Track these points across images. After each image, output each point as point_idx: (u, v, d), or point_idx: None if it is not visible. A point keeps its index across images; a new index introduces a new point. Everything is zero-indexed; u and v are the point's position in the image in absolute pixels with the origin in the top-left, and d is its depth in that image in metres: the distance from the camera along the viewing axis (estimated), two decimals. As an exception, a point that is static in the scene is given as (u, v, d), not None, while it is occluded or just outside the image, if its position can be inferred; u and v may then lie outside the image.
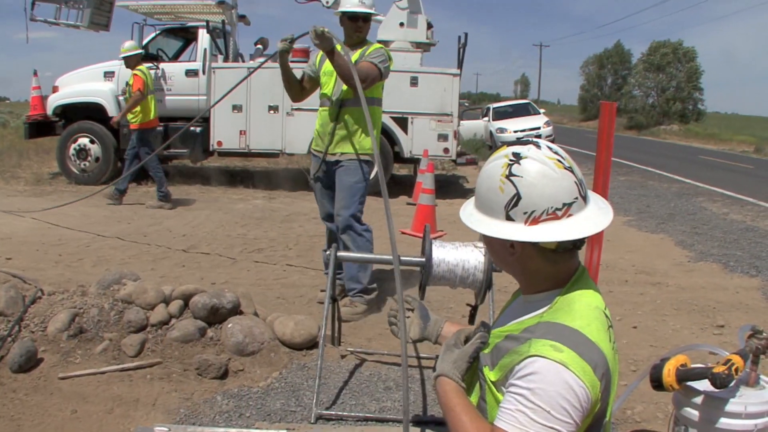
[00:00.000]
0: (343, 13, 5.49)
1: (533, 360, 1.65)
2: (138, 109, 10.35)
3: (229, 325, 4.61)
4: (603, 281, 6.66)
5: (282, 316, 4.89)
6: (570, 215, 1.74)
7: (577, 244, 1.80)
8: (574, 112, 78.37)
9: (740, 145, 36.50)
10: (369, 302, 5.72)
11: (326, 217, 5.86)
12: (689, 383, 2.31)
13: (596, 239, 3.24)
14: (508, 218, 1.75)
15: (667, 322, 5.93)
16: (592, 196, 1.86)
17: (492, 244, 1.87)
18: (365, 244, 5.61)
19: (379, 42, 6.20)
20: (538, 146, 1.77)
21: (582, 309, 1.76)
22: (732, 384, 2.22)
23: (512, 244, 1.78)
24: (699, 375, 2.28)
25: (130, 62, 10.69)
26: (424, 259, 3.64)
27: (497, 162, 1.78)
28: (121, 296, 4.68)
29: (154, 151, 10.31)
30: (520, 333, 1.79)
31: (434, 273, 3.66)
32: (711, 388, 2.23)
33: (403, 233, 9.10)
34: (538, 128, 27.08)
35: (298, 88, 5.80)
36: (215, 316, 4.64)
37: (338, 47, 5.00)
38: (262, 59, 12.79)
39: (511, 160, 1.75)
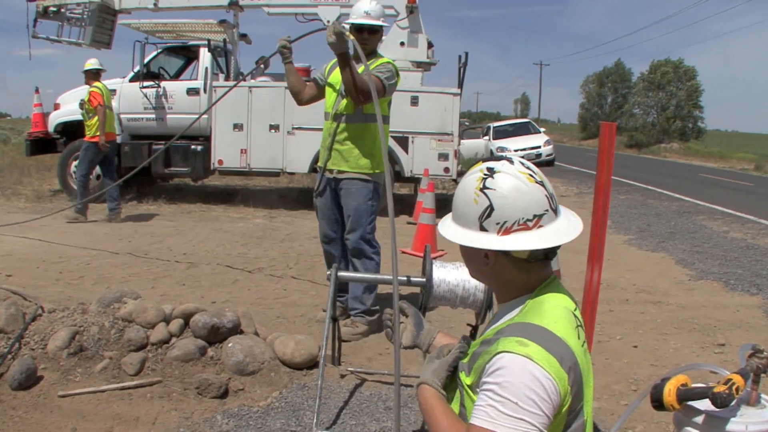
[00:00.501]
0: (351, 25, 5.45)
1: (500, 356, 1.72)
2: (93, 122, 10.48)
3: (230, 345, 4.61)
4: (603, 300, 6.65)
5: (282, 336, 4.89)
6: (540, 226, 1.83)
7: (548, 254, 1.91)
8: (574, 130, 78.56)
9: (740, 162, 36.57)
10: (370, 323, 5.70)
11: (324, 238, 5.83)
12: (690, 403, 2.31)
13: (596, 258, 3.23)
14: (482, 229, 1.85)
15: (667, 341, 5.92)
16: (564, 210, 1.96)
17: (468, 255, 1.97)
18: (375, 267, 5.58)
19: None
20: (511, 162, 1.88)
21: (550, 309, 1.85)
22: (733, 403, 2.21)
23: (486, 254, 1.88)
24: (700, 394, 2.27)
25: (88, 78, 10.78)
26: (424, 279, 3.64)
27: (472, 176, 1.89)
28: (121, 314, 4.68)
29: (94, 166, 10.84)
30: (492, 336, 1.86)
31: (435, 293, 3.66)
32: (712, 408, 2.22)
33: (403, 253, 9.09)
34: (539, 147, 27.18)
35: (301, 91, 5.72)
36: (216, 336, 4.64)
37: (361, 68, 4.99)
38: (263, 77, 12.89)
39: (485, 174, 1.86)
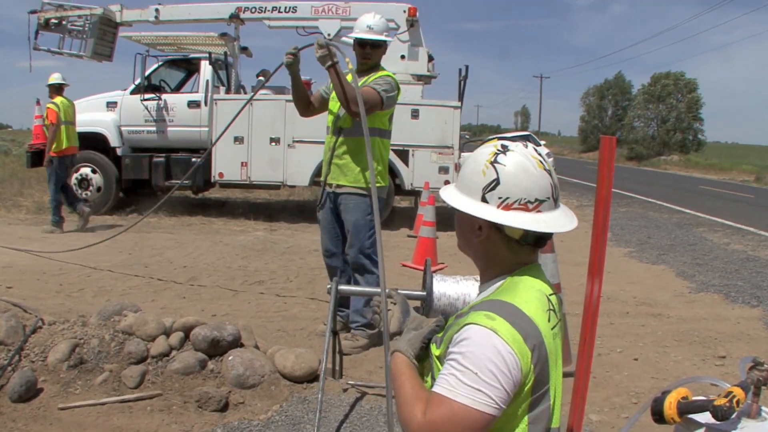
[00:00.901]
0: (354, 39, 5.45)
1: (467, 327, 1.74)
2: (55, 136, 10.57)
3: (230, 358, 4.60)
4: (604, 313, 6.65)
5: (283, 349, 4.89)
6: (539, 211, 1.86)
7: (539, 241, 1.93)
8: (574, 143, 78.65)
9: (741, 174, 36.62)
10: (370, 337, 5.69)
11: (325, 251, 5.83)
12: (691, 416, 2.31)
13: (597, 271, 3.22)
14: (483, 200, 1.86)
15: (668, 354, 5.91)
16: (563, 206, 1.98)
17: (461, 223, 1.99)
18: (376, 281, 5.55)
19: None
20: (525, 145, 1.92)
21: (524, 289, 1.87)
22: (733, 416, 2.21)
23: (480, 227, 1.90)
24: (700, 407, 2.27)
25: (51, 92, 10.89)
26: (425, 293, 3.64)
27: (486, 150, 1.92)
28: (121, 327, 4.68)
29: (62, 180, 10.83)
30: (466, 311, 1.90)
31: (435, 306, 3.64)
32: (712, 421, 2.22)
33: (404, 266, 9.10)
34: (539, 159, 27.19)
35: (305, 103, 5.70)
36: (216, 349, 4.64)
37: (349, 77, 4.98)
38: (263, 90, 12.91)
39: (498, 150, 1.88)
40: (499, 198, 1.84)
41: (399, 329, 2.51)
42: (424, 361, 2.04)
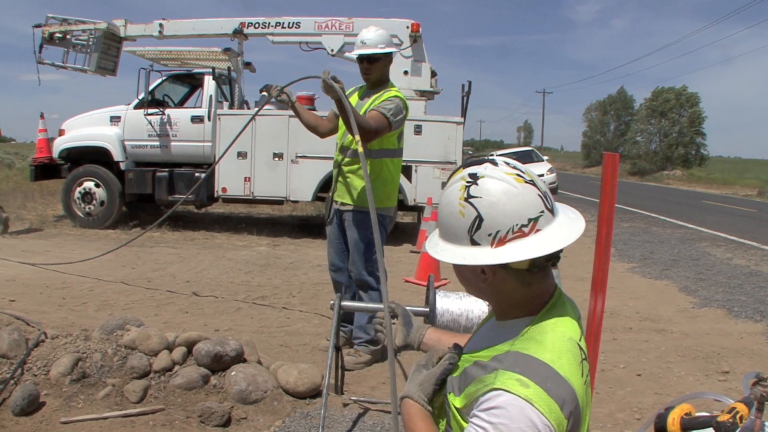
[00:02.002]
0: (357, 56, 5.42)
1: (498, 393, 1.58)
2: None
3: (233, 373, 4.60)
4: (607, 328, 6.64)
5: (285, 365, 4.88)
6: (538, 230, 1.65)
7: (551, 260, 1.74)
8: (577, 158, 78.78)
9: (743, 188, 36.64)
10: (373, 353, 5.68)
11: (331, 266, 5.84)
12: (694, 432, 2.30)
13: (600, 286, 3.23)
14: (474, 243, 1.67)
15: (671, 369, 5.90)
16: (561, 207, 1.78)
17: (462, 272, 1.79)
18: (380, 298, 5.56)
19: None
20: (495, 163, 1.71)
21: (554, 340, 1.68)
22: (737, 432, 2.21)
23: (483, 270, 1.70)
24: (703, 424, 2.26)
25: None
26: (428, 309, 3.64)
27: (454, 186, 1.72)
28: (124, 342, 4.68)
29: None
30: (488, 361, 1.71)
31: (438, 323, 3.65)
32: (716, 437, 2.22)
33: (406, 281, 9.09)
34: (542, 175, 27.25)
35: (318, 125, 5.69)
36: (218, 364, 4.64)
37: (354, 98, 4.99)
38: (267, 106, 12.96)
39: (468, 182, 1.68)
40: (489, 235, 1.64)
41: (404, 342, 2.49)
42: (435, 401, 1.91)
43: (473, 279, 1.76)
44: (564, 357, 1.64)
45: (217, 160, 8.26)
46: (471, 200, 1.65)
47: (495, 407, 1.56)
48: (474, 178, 1.68)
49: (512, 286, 1.73)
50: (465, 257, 1.68)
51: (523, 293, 1.74)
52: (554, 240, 1.65)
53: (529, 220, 1.64)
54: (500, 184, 1.65)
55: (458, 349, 1.93)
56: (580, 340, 1.73)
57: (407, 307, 2.66)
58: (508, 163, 1.72)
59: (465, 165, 1.77)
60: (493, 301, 1.84)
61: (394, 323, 2.53)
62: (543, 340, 1.67)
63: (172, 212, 8.58)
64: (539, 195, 1.67)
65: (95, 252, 9.43)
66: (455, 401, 1.77)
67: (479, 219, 1.64)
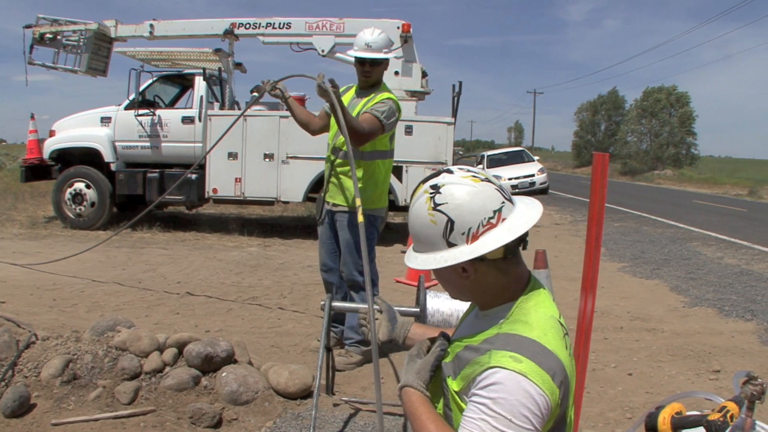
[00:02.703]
0: (354, 58, 5.41)
1: (494, 371, 1.71)
2: None
3: (224, 374, 4.59)
4: (598, 328, 6.65)
5: (276, 365, 4.88)
6: (504, 219, 1.82)
7: (521, 245, 1.90)
8: (568, 158, 78.93)
9: (734, 188, 36.74)
10: (364, 353, 5.68)
11: (322, 266, 5.83)
12: (685, 431, 2.31)
13: (590, 286, 3.23)
14: (450, 245, 1.82)
15: (662, 368, 5.91)
16: (517, 198, 1.94)
17: (445, 277, 1.94)
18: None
19: None
20: (450, 171, 1.88)
21: (538, 319, 1.83)
22: (727, 431, 2.22)
23: (464, 268, 1.84)
24: (694, 423, 2.27)
25: None
26: (418, 309, 3.64)
27: (420, 200, 1.86)
28: (115, 343, 4.67)
29: None
30: (480, 344, 1.85)
31: (429, 323, 3.65)
32: (706, 436, 2.22)
33: (397, 282, 9.10)
34: (533, 175, 27.29)
35: (310, 122, 5.68)
36: (209, 365, 4.63)
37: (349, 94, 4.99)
38: (257, 106, 12.94)
39: (431, 193, 1.83)
40: (463, 234, 1.80)
41: (388, 337, 2.53)
42: (432, 386, 2.01)
43: (457, 280, 1.91)
44: (549, 333, 1.80)
45: (202, 156, 8.26)
46: (439, 208, 1.82)
47: (493, 383, 1.71)
48: (435, 188, 1.84)
49: (492, 277, 1.88)
50: (447, 260, 1.83)
51: (504, 281, 1.90)
52: (521, 224, 1.82)
53: (494, 211, 1.81)
54: (461, 187, 1.82)
55: (446, 337, 2.07)
56: (560, 318, 1.90)
57: (398, 308, 2.67)
58: (462, 168, 1.90)
59: (423, 181, 1.91)
60: (478, 296, 1.97)
61: (377, 318, 2.59)
62: (528, 320, 1.83)
63: (149, 210, 8.53)
64: (497, 189, 1.85)
65: (88, 253, 9.41)
66: (453, 384, 1.89)
67: (450, 222, 1.80)
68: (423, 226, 1.85)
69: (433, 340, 2.09)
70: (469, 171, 1.87)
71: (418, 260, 1.90)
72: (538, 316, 1.84)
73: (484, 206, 1.80)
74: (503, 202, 1.83)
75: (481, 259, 1.82)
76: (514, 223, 1.81)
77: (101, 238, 10.50)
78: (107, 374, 4.49)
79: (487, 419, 1.68)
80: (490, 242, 1.78)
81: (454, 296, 2.03)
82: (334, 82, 4.79)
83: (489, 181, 1.85)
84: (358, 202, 4.57)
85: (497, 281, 1.89)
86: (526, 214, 1.85)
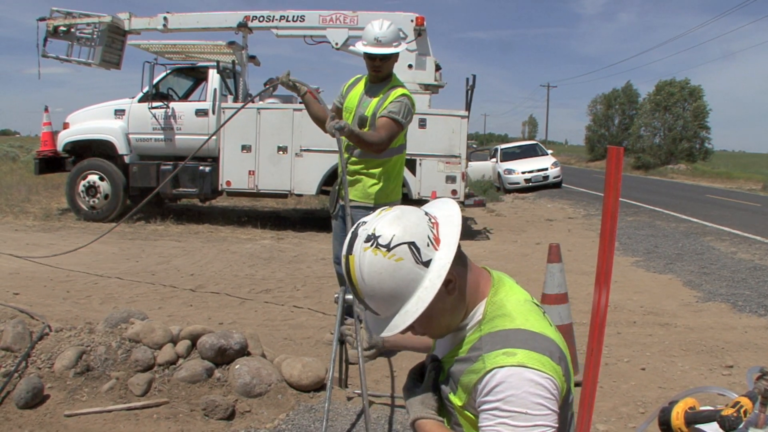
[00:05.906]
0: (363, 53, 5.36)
1: (493, 373, 1.69)
2: None
3: (237, 366, 4.61)
4: (611, 323, 6.63)
5: (289, 358, 4.89)
6: (438, 212, 1.85)
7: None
8: (581, 152, 78.56)
9: (747, 183, 36.46)
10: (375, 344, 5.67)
11: (335, 258, 5.84)
12: (698, 426, 2.30)
13: (604, 280, 3.22)
14: (426, 264, 1.73)
15: (675, 363, 5.89)
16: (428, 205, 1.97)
17: (435, 307, 1.77)
18: None
19: None
20: (363, 223, 1.80)
21: (514, 308, 1.82)
22: (741, 426, 2.21)
23: (448, 281, 1.76)
24: (707, 418, 2.26)
25: None
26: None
27: (369, 260, 1.73)
28: (128, 335, 4.69)
29: None
30: (468, 353, 1.81)
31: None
32: (720, 431, 2.21)
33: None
34: (546, 169, 27.19)
35: (323, 121, 5.68)
36: (223, 357, 4.64)
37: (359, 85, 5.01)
38: (271, 99, 12.94)
39: (372, 244, 1.72)
40: (428, 245, 1.73)
41: (369, 344, 2.57)
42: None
43: (447, 302, 1.81)
44: (530, 317, 1.81)
45: (199, 146, 8.29)
46: (390, 248, 1.71)
47: (496, 385, 1.68)
48: (371, 238, 1.74)
49: (464, 275, 1.86)
50: (433, 279, 1.73)
51: (472, 277, 1.88)
52: (452, 207, 1.87)
53: (426, 213, 1.82)
54: (387, 219, 1.77)
55: (435, 358, 2.03)
56: (532, 300, 1.92)
57: None
58: (367, 214, 1.85)
59: (347, 250, 1.79)
60: (461, 307, 1.87)
61: (362, 327, 2.59)
62: (505, 312, 1.82)
63: (147, 201, 8.54)
64: (400, 206, 1.84)
65: (101, 245, 9.45)
66: (455, 400, 1.86)
67: (411, 245, 1.72)
68: (392, 274, 1.72)
69: (422, 366, 2.06)
70: (374, 209, 1.88)
71: (407, 315, 1.75)
72: (513, 304, 1.84)
73: (418, 213, 1.79)
74: (424, 209, 1.86)
75: (455, 260, 1.75)
76: (448, 209, 1.85)
77: (114, 230, 10.54)
78: (120, 366, 4.51)
79: (504, 421, 1.65)
80: (450, 235, 1.77)
81: (441, 333, 1.93)
82: (342, 127, 4.84)
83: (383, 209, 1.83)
84: None
85: (469, 277, 1.86)
86: (447, 203, 1.90)
